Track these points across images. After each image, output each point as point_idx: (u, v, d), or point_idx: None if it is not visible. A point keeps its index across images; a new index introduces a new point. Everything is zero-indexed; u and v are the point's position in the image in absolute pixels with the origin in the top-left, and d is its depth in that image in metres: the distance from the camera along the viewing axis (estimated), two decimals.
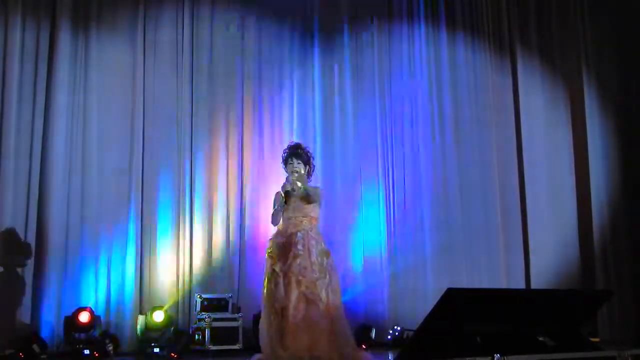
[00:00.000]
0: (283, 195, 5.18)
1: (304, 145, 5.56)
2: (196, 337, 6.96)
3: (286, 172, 5.40)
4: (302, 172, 5.36)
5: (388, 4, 8.62)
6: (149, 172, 7.51)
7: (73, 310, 6.76)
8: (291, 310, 4.90)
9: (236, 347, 6.95)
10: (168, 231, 7.47)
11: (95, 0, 7.57)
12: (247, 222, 7.73)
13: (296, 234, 5.13)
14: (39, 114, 7.16)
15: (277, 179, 7.86)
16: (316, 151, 8.01)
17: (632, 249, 8.20)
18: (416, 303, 7.77)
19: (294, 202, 5.21)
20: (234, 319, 7.05)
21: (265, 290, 5.13)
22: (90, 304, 6.94)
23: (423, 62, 8.55)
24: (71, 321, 6.67)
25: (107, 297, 7.14)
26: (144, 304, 7.22)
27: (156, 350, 6.64)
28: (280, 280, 5.00)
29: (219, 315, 7.02)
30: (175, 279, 7.40)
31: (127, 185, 7.37)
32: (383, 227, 8.09)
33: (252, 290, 7.56)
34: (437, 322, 3.84)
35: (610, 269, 8.25)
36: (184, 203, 7.54)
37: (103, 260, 7.18)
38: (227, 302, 7.18)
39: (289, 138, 8.00)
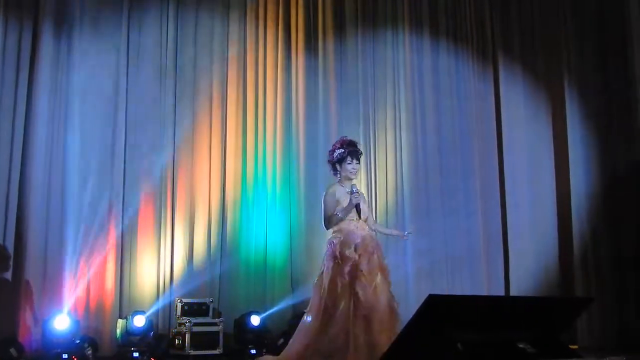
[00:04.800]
0: (354, 207, 5.02)
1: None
2: (176, 341, 6.94)
3: (338, 169, 5.22)
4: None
5: (372, 10, 8.64)
6: (131, 175, 7.47)
7: (52, 314, 6.70)
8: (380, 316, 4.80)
9: (216, 352, 6.94)
10: (149, 235, 7.44)
11: (78, 3, 7.51)
12: (229, 226, 7.71)
13: (371, 236, 5.09)
14: (19, 116, 7.07)
15: (259, 183, 7.88)
16: (300, 154, 8.02)
17: (612, 256, 8.24)
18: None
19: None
20: (215, 324, 7.03)
21: (326, 295, 4.88)
22: (70, 308, 6.87)
23: (406, 69, 8.58)
24: (50, 325, 6.60)
25: (86, 301, 7.07)
26: (123, 308, 7.16)
27: (136, 354, 6.60)
28: (367, 284, 4.84)
29: (199, 319, 7.00)
30: (155, 283, 7.37)
31: (109, 189, 7.32)
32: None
33: (233, 295, 7.56)
34: (418, 328, 3.84)
35: (590, 275, 8.28)
36: (165, 207, 7.51)
37: (83, 264, 7.11)
38: (207, 306, 7.16)
39: (272, 142, 8.00)
